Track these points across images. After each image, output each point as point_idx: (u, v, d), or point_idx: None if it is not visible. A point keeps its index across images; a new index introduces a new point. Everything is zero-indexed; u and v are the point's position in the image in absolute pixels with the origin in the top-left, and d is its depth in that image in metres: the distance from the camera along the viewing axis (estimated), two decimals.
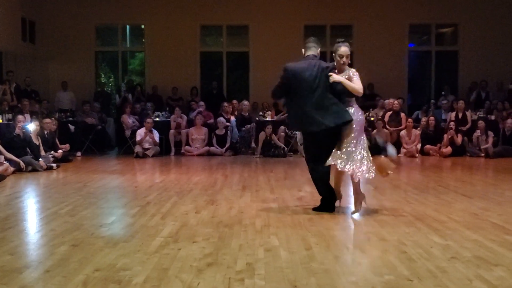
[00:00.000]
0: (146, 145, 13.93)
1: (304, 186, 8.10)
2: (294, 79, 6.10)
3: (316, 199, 6.66)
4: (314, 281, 3.72)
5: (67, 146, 12.87)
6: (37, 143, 11.37)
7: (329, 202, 6.25)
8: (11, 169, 10.01)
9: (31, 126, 11.51)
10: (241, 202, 6.99)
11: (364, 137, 6.11)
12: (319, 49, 6.43)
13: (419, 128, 14.47)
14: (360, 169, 5.93)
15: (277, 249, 4.57)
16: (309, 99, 6.02)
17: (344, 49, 6.14)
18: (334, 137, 6.06)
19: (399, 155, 14.00)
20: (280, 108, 15.27)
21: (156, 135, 14.13)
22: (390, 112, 15.07)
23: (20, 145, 10.82)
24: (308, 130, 6.15)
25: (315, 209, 6.28)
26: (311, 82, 6.04)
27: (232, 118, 15.13)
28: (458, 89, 17.52)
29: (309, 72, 6.08)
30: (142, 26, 18.14)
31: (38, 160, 10.74)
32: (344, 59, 6.13)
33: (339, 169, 5.99)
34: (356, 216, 6.00)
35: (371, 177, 6.03)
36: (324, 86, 6.04)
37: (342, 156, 5.95)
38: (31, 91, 15.52)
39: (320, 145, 6.11)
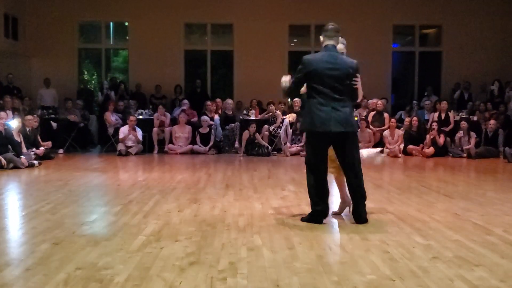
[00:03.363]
0: (129, 143, 13.87)
1: (288, 185, 8.10)
2: (315, 72, 5.48)
3: (299, 198, 6.66)
4: (297, 281, 3.72)
5: (49, 144, 12.76)
6: (19, 140, 11.25)
7: (317, 214, 5.62)
8: None
9: (13, 123, 11.41)
10: (224, 201, 6.98)
11: None
12: (340, 37, 5.72)
13: (402, 128, 14.53)
14: None
15: (260, 249, 4.57)
16: (329, 96, 5.46)
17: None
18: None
19: (382, 155, 14.08)
20: (264, 107, 15.29)
21: (139, 133, 14.07)
22: (374, 112, 15.13)
23: (1, 142, 10.71)
24: (321, 130, 5.46)
25: (303, 219, 5.71)
26: (333, 77, 5.45)
27: (216, 117, 15.09)
28: (441, 90, 17.64)
29: (331, 66, 5.47)
30: (126, 24, 18.03)
31: (20, 157, 10.65)
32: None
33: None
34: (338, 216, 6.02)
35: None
36: (347, 86, 5.55)
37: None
38: (13, 88, 15.40)
39: (325, 149, 5.62)
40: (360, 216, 5.63)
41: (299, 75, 5.61)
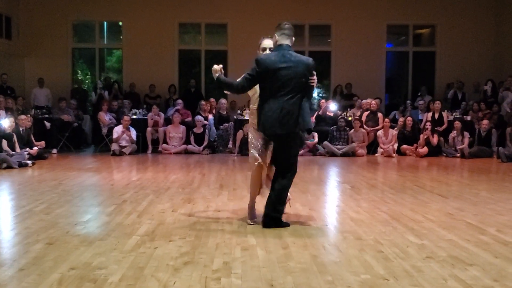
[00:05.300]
0: (123, 143, 13.84)
1: None
2: (268, 72, 5.31)
3: (293, 197, 6.67)
4: (291, 280, 3.72)
5: (42, 143, 12.72)
6: (13, 140, 11.24)
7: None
8: None
9: (5, 122, 11.39)
10: (218, 200, 6.98)
11: None
12: (293, 37, 5.60)
13: (396, 128, 14.56)
14: None
15: (254, 248, 4.57)
16: (283, 97, 5.30)
17: (267, 41, 5.66)
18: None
19: (376, 154, 14.11)
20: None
21: (133, 132, 14.05)
22: (368, 112, 15.15)
23: None
24: (270, 132, 5.38)
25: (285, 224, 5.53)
26: (287, 76, 5.29)
27: (210, 117, 15.09)
28: (435, 90, 17.69)
29: (285, 65, 5.30)
30: (120, 23, 18.00)
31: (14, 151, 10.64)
32: (268, 51, 5.62)
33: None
34: None
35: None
36: (303, 85, 5.35)
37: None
38: (7, 88, 15.35)
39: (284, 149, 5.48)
40: (268, 218, 5.46)
41: (251, 73, 5.43)
